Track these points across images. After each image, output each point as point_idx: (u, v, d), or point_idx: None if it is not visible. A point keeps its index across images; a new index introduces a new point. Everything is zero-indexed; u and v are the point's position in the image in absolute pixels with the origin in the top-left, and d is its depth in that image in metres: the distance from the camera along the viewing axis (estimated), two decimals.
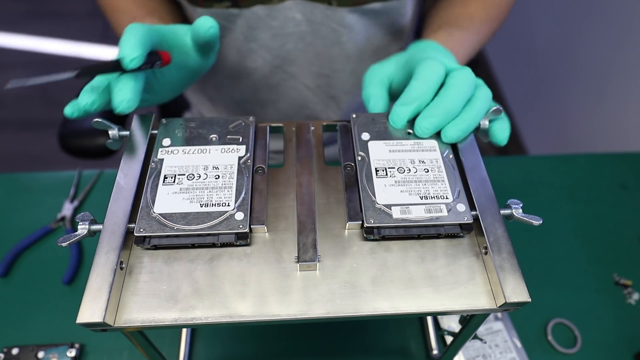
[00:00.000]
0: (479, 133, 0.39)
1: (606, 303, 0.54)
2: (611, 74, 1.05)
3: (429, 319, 0.51)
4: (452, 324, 0.51)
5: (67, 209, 0.58)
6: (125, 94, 0.33)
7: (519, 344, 0.50)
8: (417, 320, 0.52)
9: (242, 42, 0.55)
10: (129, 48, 0.32)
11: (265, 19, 0.52)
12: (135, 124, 0.38)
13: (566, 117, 1.22)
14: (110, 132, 0.37)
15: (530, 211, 0.34)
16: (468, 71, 0.37)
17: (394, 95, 0.41)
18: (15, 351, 0.47)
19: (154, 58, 0.35)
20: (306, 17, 0.52)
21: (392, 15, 0.54)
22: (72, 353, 0.47)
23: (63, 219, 0.58)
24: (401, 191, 0.34)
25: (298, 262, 0.31)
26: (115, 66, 0.32)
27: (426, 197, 0.33)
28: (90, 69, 0.32)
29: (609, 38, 1.04)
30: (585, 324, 0.52)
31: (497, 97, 1.52)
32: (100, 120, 0.36)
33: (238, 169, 0.34)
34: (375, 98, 0.40)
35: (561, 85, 1.21)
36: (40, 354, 0.47)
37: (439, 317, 0.51)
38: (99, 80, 0.35)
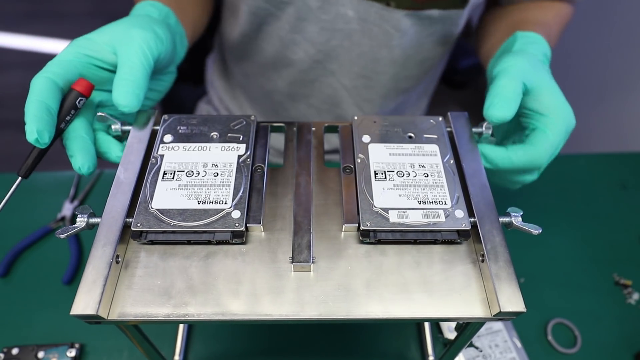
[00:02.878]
0: (482, 139, 0.38)
1: (606, 303, 0.54)
2: (611, 73, 1.04)
3: (426, 325, 0.50)
4: (453, 327, 0.50)
5: (67, 209, 0.59)
6: (80, 160, 0.33)
7: (519, 344, 0.50)
8: (414, 325, 0.51)
9: (287, 32, 0.54)
10: (28, 132, 0.31)
11: (317, 11, 0.51)
12: (137, 119, 0.38)
13: None
14: (113, 127, 0.37)
15: (531, 211, 0.33)
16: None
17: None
18: (15, 351, 0.47)
19: (70, 99, 0.33)
20: (359, 15, 0.51)
21: (447, 24, 0.54)
22: (72, 353, 0.47)
23: (63, 219, 0.58)
24: (399, 195, 0.33)
25: (292, 262, 0.31)
26: (40, 150, 0.33)
27: (424, 202, 0.33)
28: (30, 165, 0.33)
29: (609, 38, 1.02)
30: (585, 324, 0.52)
31: None
32: (102, 114, 0.36)
33: (237, 168, 0.35)
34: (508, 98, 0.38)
35: (561, 85, 1.20)
36: (40, 354, 0.47)
37: (440, 322, 0.51)
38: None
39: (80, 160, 0.33)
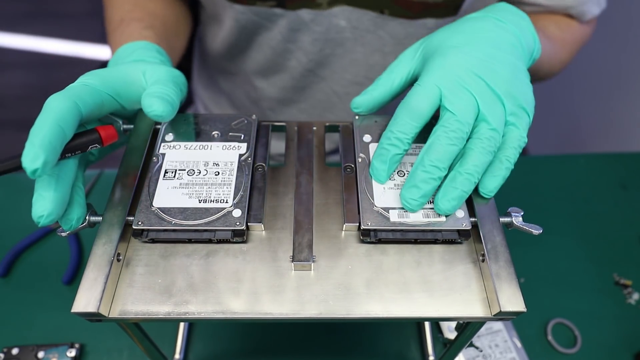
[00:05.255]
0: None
1: (606, 303, 0.54)
2: (612, 73, 1.04)
3: (427, 324, 0.50)
4: (453, 327, 0.50)
5: None
6: (42, 207, 0.28)
7: (519, 344, 0.50)
8: (415, 324, 0.51)
9: (279, 42, 0.54)
10: (29, 157, 0.26)
11: (310, 23, 0.50)
12: (139, 117, 0.38)
13: (567, 117, 1.21)
14: (114, 125, 0.37)
15: (531, 211, 0.33)
16: (497, 133, 0.31)
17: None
18: (15, 351, 0.47)
19: (88, 140, 0.30)
20: (351, 24, 0.51)
21: None
22: (72, 353, 0.47)
23: None
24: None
25: (293, 261, 0.31)
26: (20, 166, 0.27)
27: None
28: None
29: (609, 37, 1.02)
30: (585, 324, 0.52)
31: None
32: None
33: (238, 167, 0.35)
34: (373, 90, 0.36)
35: (561, 85, 1.20)
36: (40, 354, 0.47)
37: (441, 322, 0.51)
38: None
39: (51, 207, 0.28)
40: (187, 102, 0.79)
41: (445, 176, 0.31)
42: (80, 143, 0.30)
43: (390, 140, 0.32)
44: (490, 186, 0.32)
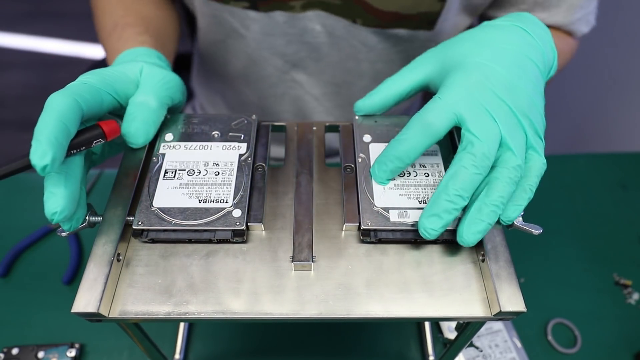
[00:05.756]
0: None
1: (606, 303, 0.54)
2: (611, 74, 1.04)
3: (427, 324, 0.50)
4: (453, 327, 0.50)
5: None
6: (55, 204, 0.28)
7: (519, 344, 0.50)
8: (415, 324, 0.51)
9: (254, 49, 0.54)
10: (38, 154, 0.26)
11: (283, 25, 0.51)
12: None
13: (566, 117, 1.21)
14: None
15: (530, 211, 0.33)
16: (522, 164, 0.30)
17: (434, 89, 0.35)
18: (15, 351, 0.47)
19: (92, 135, 0.30)
20: (326, 29, 0.51)
21: (416, 44, 0.52)
22: (72, 353, 0.47)
23: None
24: (400, 195, 0.33)
25: (293, 261, 0.31)
26: (28, 165, 0.28)
27: (425, 202, 0.33)
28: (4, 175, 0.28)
29: (609, 37, 1.03)
30: (585, 324, 0.52)
31: None
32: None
33: (238, 167, 0.35)
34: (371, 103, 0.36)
35: (562, 85, 1.20)
36: (40, 354, 0.47)
37: (441, 322, 0.51)
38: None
39: (63, 204, 0.28)
40: (188, 95, 0.79)
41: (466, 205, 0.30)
42: (84, 139, 0.30)
43: (397, 152, 0.31)
44: (512, 215, 0.31)
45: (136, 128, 0.33)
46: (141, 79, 0.35)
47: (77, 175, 0.30)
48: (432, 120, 0.30)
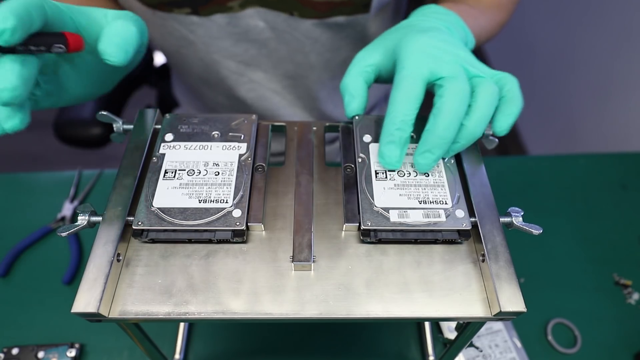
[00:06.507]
0: (483, 139, 0.38)
1: (606, 303, 0.54)
2: (611, 73, 1.04)
3: (427, 324, 0.50)
4: (453, 327, 0.50)
5: (67, 209, 0.59)
6: (6, 81, 0.25)
7: (519, 344, 0.50)
8: (415, 324, 0.51)
9: (205, 53, 0.54)
10: (4, 16, 0.24)
11: (226, 27, 0.51)
12: (139, 118, 0.38)
13: (566, 117, 1.21)
14: (114, 125, 0.37)
15: (531, 211, 0.33)
16: (495, 87, 0.33)
17: (383, 81, 0.38)
18: (15, 351, 0.47)
19: (54, 39, 0.28)
20: (269, 24, 0.51)
21: (357, 29, 0.53)
22: (72, 353, 0.47)
23: (63, 219, 0.58)
24: (400, 195, 0.33)
25: (293, 261, 0.31)
26: None
27: (425, 202, 0.33)
28: None
29: (609, 37, 1.03)
30: (585, 324, 0.52)
31: None
32: (105, 113, 0.36)
33: (238, 167, 0.35)
34: (350, 94, 0.36)
35: (561, 85, 1.20)
36: (40, 354, 0.47)
37: (440, 322, 0.51)
38: None
39: (16, 81, 0.26)
40: (173, 104, 0.79)
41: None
42: (45, 39, 0.27)
43: (396, 124, 0.32)
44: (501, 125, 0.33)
45: (117, 44, 0.30)
46: (107, 19, 0.32)
47: (34, 69, 0.27)
48: (409, 88, 0.32)
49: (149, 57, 0.87)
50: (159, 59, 0.90)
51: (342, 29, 0.53)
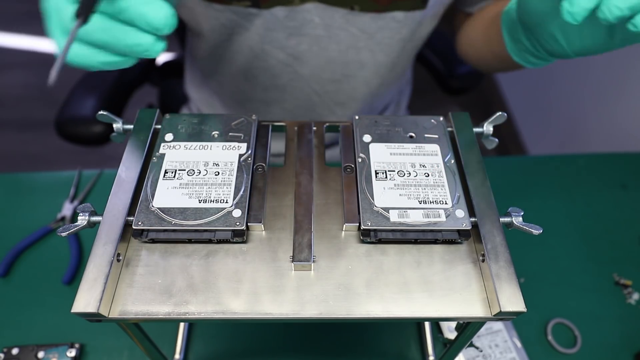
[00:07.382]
0: (483, 139, 0.38)
1: (606, 303, 0.54)
2: (612, 73, 1.04)
3: (427, 324, 0.50)
4: (453, 327, 0.50)
5: (67, 209, 0.59)
6: (162, 10, 0.26)
7: (519, 344, 0.50)
8: (415, 324, 0.51)
9: (257, 43, 0.55)
10: None
11: (284, 20, 0.52)
12: (139, 118, 0.38)
13: (566, 117, 1.21)
14: (114, 125, 0.37)
15: (531, 211, 0.33)
16: None
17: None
18: (15, 351, 0.47)
19: None
20: (324, 21, 0.52)
21: (411, 27, 0.54)
22: (72, 353, 0.47)
23: (63, 219, 0.58)
24: (400, 195, 0.33)
25: (293, 261, 0.31)
26: None
27: (425, 202, 0.33)
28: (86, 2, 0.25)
29: None
30: (585, 324, 0.52)
31: (498, 97, 1.52)
32: (104, 113, 0.36)
33: (238, 167, 0.35)
34: None
35: (561, 85, 1.20)
36: (40, 354, 0.47)
37: (440, 322, 0.51)
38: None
39: (170, 10, 0.26)
40: (182, 100, 0.79)
41: None
42: None
43: None
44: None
45: None
46: None
47: None
48: None
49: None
50: (161, 57, 0.90)
51: (398, 27, 0.54)
